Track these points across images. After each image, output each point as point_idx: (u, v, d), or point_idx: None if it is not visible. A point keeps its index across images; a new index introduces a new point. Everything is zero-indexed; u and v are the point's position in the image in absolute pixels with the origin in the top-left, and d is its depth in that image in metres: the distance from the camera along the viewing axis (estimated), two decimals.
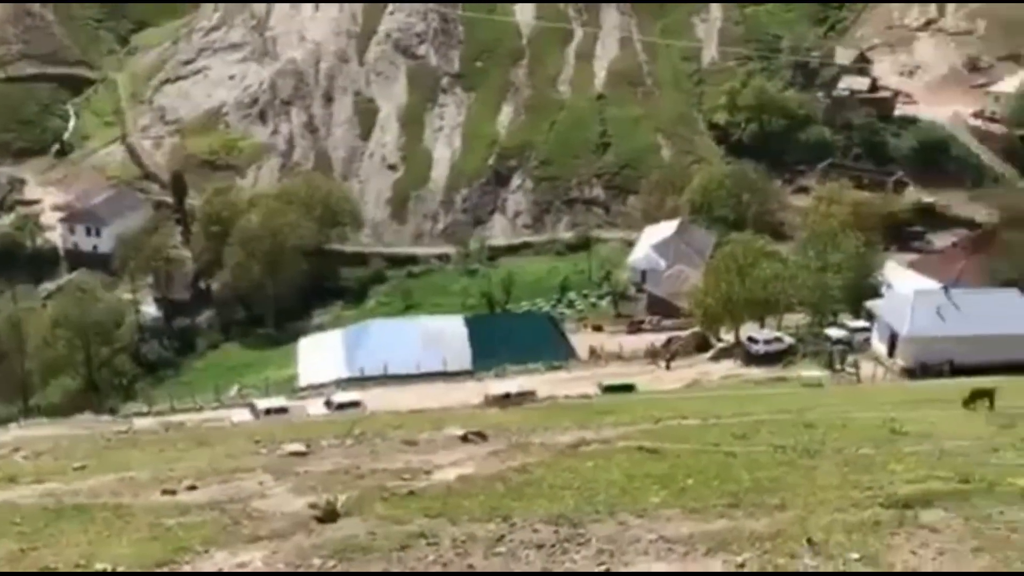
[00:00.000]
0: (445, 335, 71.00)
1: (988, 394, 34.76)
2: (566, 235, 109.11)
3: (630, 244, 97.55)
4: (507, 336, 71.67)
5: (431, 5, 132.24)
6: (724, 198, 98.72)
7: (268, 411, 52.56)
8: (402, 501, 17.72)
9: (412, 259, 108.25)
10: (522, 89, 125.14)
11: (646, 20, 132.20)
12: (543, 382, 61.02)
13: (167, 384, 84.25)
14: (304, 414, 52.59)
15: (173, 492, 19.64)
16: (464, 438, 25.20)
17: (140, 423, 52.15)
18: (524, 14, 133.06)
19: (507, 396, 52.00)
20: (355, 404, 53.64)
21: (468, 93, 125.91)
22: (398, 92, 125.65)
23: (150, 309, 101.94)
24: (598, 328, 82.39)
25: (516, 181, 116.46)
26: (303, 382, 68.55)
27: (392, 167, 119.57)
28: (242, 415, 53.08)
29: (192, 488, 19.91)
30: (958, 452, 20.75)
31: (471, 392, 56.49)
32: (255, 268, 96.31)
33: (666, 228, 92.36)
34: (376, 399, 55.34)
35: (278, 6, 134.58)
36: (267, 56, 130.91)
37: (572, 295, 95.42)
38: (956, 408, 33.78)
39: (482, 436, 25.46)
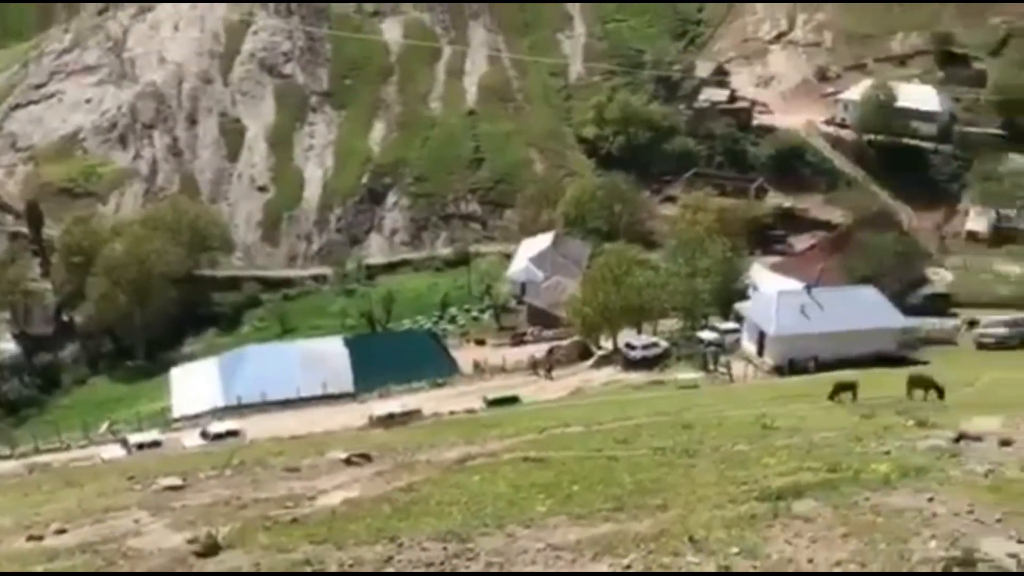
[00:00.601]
0: (325, 357, 69.83)
1: (851, 387, 36.64)
2: (444, 251, 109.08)
3: (508, 257, 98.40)
4: (389, 355, 71.02)
5: (297, 24, 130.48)
6: (597, 210, 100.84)
7: (141, 446, 50.58)
8: (286, 529, 17.33)
9: (287, 282, 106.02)
10: (393, 106, 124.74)
11: (513, 37, 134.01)
12: (428, 399, 60.80)
13: (30, 424, 79.71)
14: (180, 447, 50.76)
15: (40, 537, 18.61)
16: (348, 461, 24.84)
17: (1, 467, 49.22)
18: (392, 32, 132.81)
19: (391, 416, 51.58)
20: (233, 433, 52.09)
21: (338, 111, 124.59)
22: (265, 112, 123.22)
23: (9, 346, 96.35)
24: (481, 342, 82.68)
25: (391, 198, 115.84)
26: (177, 414, 66.13)
27: (262, 188, 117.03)
28: (113, 451, 50.84)
29: (61, 531, 18.92)
30: (825, 444, 21.73)
31: (355, 414, 55.77)
32: (121, 298, 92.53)
33: (542, 241, 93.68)
34: (255, 427, 53.87)
35: (135, 27, 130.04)
36: (125, 79, 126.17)
37: (453, 310, 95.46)
38: (822, 402, 35.44)
39: (367, 458, 25.17)
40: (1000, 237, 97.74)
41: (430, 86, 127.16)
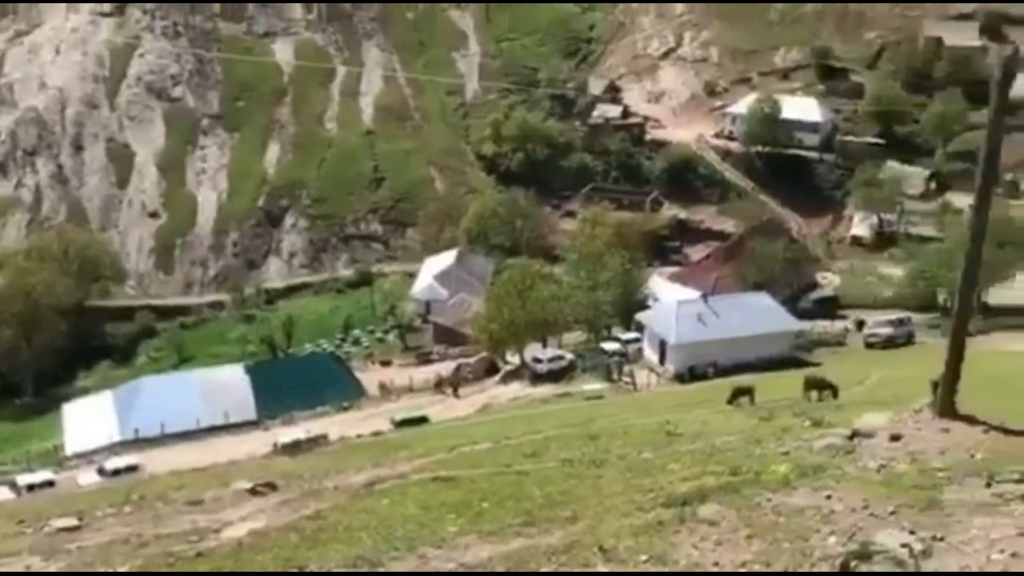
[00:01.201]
0: (226, 386, 68.09)
1: (748, 391, 37.70)
2: (346, 272, 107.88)
3: (412, 276, 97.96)
4: (292, 381, 69.71)
5: (185, 46, 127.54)
6: (499, 226, 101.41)
7: (31, 487, 48.32)
8: (190, 564, 16.83)
9: (183, 309, 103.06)
10: (288, 127, 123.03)
11: (408, 56, 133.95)
12: (334, 424, 59.90)
13: None
14: (74, 486, 48.68)
15: None
16: (253, 491, 24.28)
17: None
18: (284, 53, 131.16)
19: (297, 442, 50.65)
20: (132, 469, 50.28)
21: (231, 134, 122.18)
22: (155, 136, 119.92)
23: None
24: (386, 363, 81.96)
25: (289, 220, 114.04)
26: (71, 451, 63.41)
27: (153, 214, 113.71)
28: (1, 494, 48.39)
29: None
30: (727, 447, 22.29)
31: (259, 442, 54.49)
32: (7, 333, 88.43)
33: (446, 258, 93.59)
34: (155, 461, 52.12)
35: (12, 51, 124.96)
36: (3, 104, 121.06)
37: (357, 332, 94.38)
38: (722, 406, 36.34)
39: (272, 487, 24.65)
40: (883, 241, 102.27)
41: (325, 106, 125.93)
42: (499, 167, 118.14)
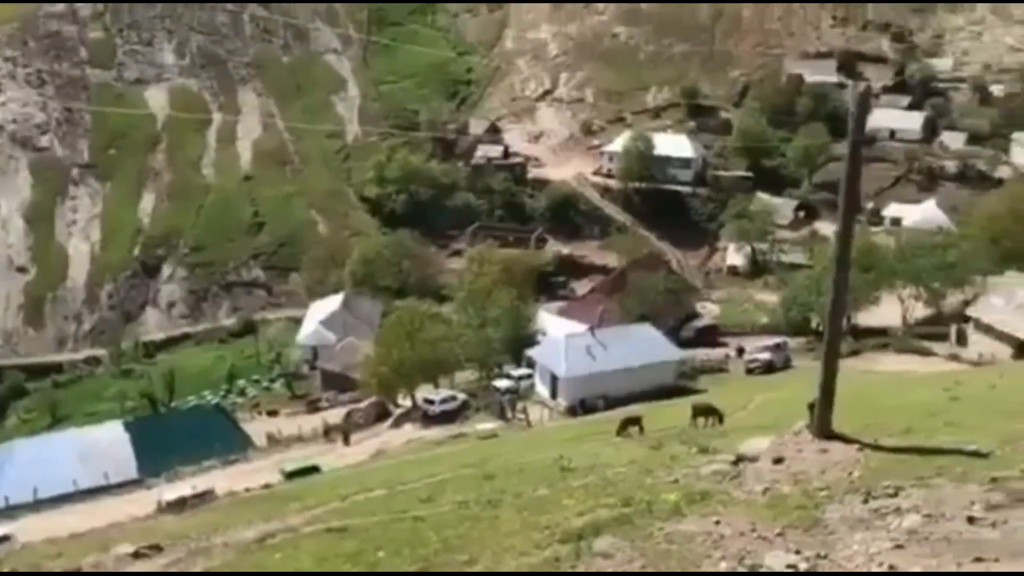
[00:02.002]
0: (104, 445, 64.91)
1: (637, 421, 38.33)
2: (228, 321, 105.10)
3: (297, 322, 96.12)
4: (175, 436, 67.02)
5: (52, 93, 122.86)
6: (385, 267, 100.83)
7: None
8: None
9: (56, 367, 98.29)
10: (163, 175, 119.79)
11: (285, 101, 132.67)
12: (222, 478, 57.80)
13: None
14: None
15: None
16: (136, 555, 23.20)
17: None
18: (157, 100, 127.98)
19: (182, 499, 48.68)
20: (3, 539, 47.25)
21: (103, 183, 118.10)
22: (21, 187, 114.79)
23: None
24: (273, 413, 79.85)
25: (167, 270, 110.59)
26: None
27: (21, 269, 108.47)
28: None
29: None
30: (619, 479, 22.57)
31: (142, 502, 52.06)
32: None
33: (332, 302, 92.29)
34: (29, 529, 49.06)
35: None
36: None
37: (242, 382, 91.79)
38: (613, 437, 36.83)
39: (157, 548, 23.61)
40: (757, 270, 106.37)
41: (202, 152, 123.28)
42: (383, 208, 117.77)
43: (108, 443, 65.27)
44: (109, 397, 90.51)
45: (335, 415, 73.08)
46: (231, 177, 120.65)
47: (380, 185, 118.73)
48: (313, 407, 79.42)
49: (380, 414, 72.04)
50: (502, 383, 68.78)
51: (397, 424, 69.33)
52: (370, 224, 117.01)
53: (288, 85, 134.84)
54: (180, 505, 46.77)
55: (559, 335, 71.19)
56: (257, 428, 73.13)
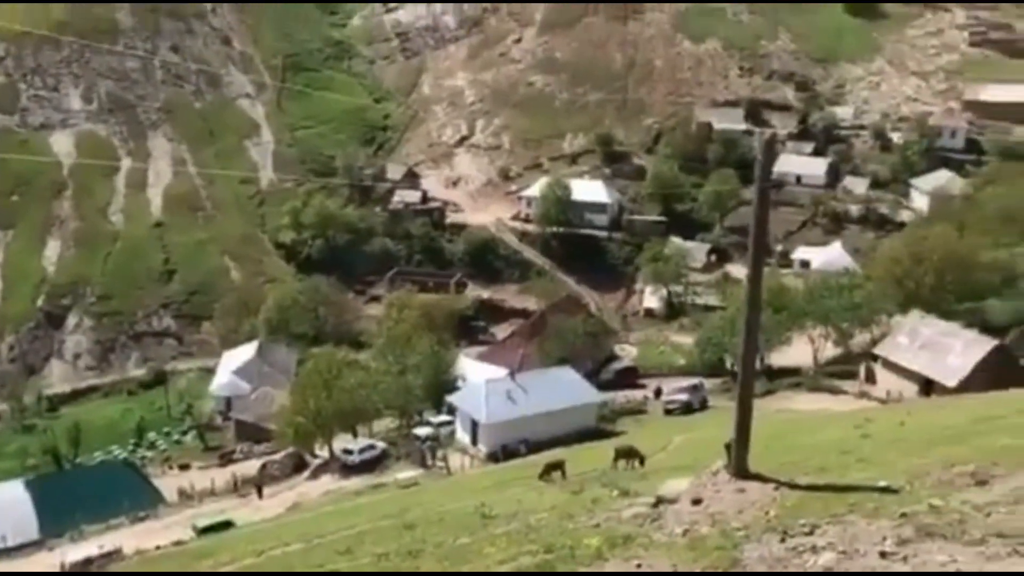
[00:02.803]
0: (2, 505, 61.81)
1: (559, 465, 38.31)
2: (138, 372, 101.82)
3: (210, 372, 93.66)
4: (81, 493, 64.20)
5: None
6: (301, 314, 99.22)
7: None
8: None
9: None
10: (69, 222, 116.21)
11: (197, 146, 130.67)
12: (130, 536, 55.54)
13: None
14: None
15: None
16: None
17: None
18: (63, 146, 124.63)
19: (88, 560, 46.64)
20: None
21: (5, 231, 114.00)
22: None
23: None
24: (185, 466, 77.32)
25: (72, 320, 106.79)
26: None
27: None
28: None
29: None
30: (541, 525, 22.43)
31: (44, 565, 49.70)
32: None
33: (246, 351, 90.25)
34: None
35: None
36: None
37: (152, 436, 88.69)
38: (535, 483, 36.69)
39: None
40: (673, 312, 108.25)
41: (110, 199, 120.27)
42: (299, 254, 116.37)
43: (6, 503, 62.23)
44: (9, 454, 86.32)
45: (250, 467, 71.14)
46: (141, 224, 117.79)
47: (296, 231, 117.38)
48: (227, 460, 77.15)
49: (297, 465, 70.39)
50: (422, 430, 68.05)
51: (315, 475, 67.83)
52: (285, 270, 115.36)
53: (200, 130, 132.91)
54: (85, 566, 44.80)
55: (480, 380, 70.90)
56: (168, 483, 70.68)
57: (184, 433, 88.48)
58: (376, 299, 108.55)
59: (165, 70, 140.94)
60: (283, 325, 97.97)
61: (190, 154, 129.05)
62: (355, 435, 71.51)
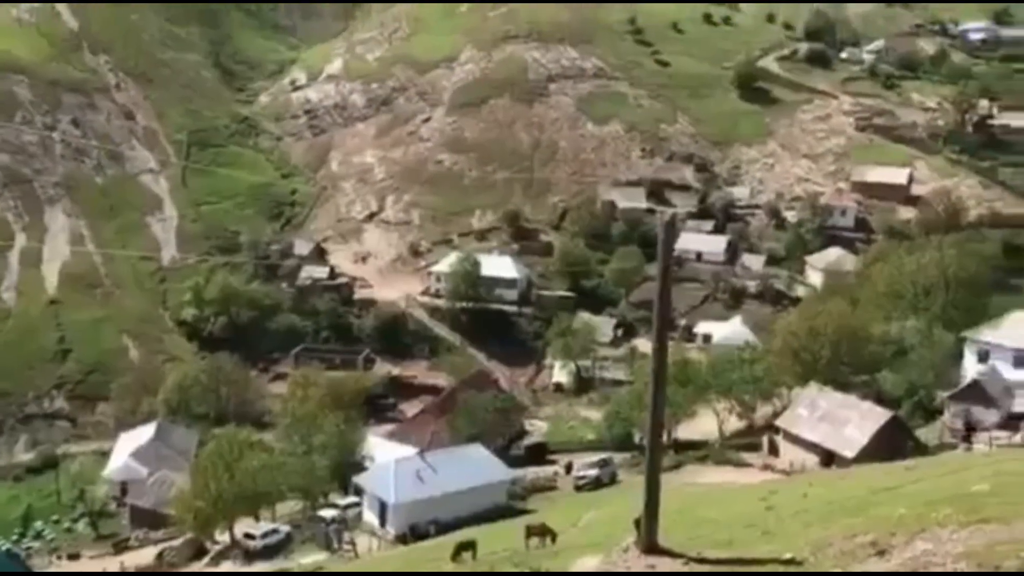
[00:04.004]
0: None
1: (470, 546, 37.73)
2: (26, 457, 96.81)
3: (105, 455, 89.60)
4: None
5: None
6: (202, 394, 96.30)
7: None
8: None
9: None
10: None
11: (97, 222, 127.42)
12: None
13: None
14: None
15: None
16: None
17: None
18: None
19: None
20: None
21: None
22: None
23: None
24: (75, 556, 73.30)
25: None
26: None
27: None
28: None
29: None
30: None
31: None
32: None
33: (144, 433, 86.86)
34: None
35: None
36: None
37: (40, 524, 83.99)
38: (446, 564, 36.02)
39: None
40: (582, 386, 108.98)
41: (2, 276, 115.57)
42: (201, 332, 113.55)
43: None
44: None
45: (146, 555, 67.91)
46: (35, 302, 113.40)
47: (198, 308, 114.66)
48: (121, 548, 73.48)
49: (196, 552, 67.50)
50: (328, 512, 66.29)
51: (215, 562, 65.16)
52: (186, 349, 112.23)
53: (101, 206, 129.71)
54: None
55: (388, 460, 69.68)
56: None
57: (75, 520, 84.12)
58: (281, 377, 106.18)
59: (65, 144, 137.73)
60: (183, 405, 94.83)
61: (89, 230, 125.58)
62: (258, 519, 69.14)
